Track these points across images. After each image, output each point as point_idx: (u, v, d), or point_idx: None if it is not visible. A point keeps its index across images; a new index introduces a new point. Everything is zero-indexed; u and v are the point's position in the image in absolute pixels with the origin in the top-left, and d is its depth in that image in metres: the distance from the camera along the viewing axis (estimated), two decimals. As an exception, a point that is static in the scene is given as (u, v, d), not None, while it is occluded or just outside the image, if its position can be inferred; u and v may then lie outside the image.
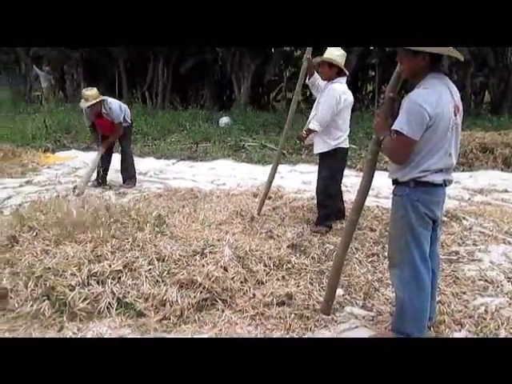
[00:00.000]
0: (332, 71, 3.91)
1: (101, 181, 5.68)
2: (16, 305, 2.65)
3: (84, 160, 7.32)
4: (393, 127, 2.11)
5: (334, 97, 3.84)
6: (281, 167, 6.89)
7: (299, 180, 6.10)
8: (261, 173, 6.54)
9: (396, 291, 2.40)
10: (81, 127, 9.56)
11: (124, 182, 5.74)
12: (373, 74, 13.30)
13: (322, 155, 4.04)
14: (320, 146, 4.02)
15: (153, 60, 13.61)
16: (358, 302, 2.91)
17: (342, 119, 3.95)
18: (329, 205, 4.05)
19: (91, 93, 5.30)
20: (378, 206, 4.65)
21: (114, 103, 5.48)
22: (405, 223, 2.22)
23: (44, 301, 2.67)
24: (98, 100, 5.28)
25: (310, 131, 4.02)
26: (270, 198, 4.89)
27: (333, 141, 3.93)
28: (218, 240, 3.34)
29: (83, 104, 5.32)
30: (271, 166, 6.87)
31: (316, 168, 6.74)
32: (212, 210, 4.13)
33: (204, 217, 3.85)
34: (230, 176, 6.34)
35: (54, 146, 8.34)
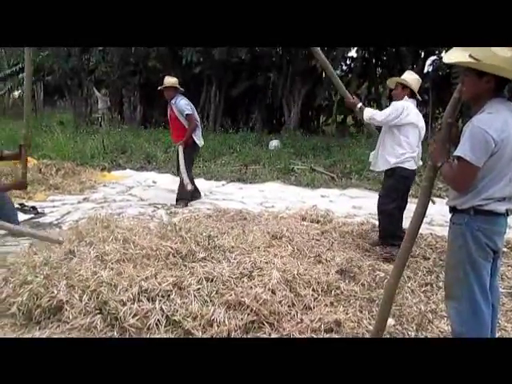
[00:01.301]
0: (404, 92, 3.99)
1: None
2: (70, 317, 2.74)
3: (137, 179, 7.61)
4: (455, 153, 2.05)
5: (398, 107, 3.88)
6: (330, 191, 6.88)
7: (349, 205, 6.02)
8: (309, 196, 6.52)
9: (452, 325, 2.28)
10: (135, 148, 9.97)
11: (177, 201, 5.85)
12: (426, 97, 13.04)
13: (384, 174, 4.12)
14: (381, 164, 4.07)
15: (206, 83, 14.03)
16: (409, 332, 2.80)
17: (405, 137, 3.93)
18: (385, 224, 4.05)
19: (170, 80, 5.79)
20: (431, 234, 4.49)
21: (184, 99, 5.84)
22: (464, 253, 2.12)
23: (96, 315, 2.75)
24: (169, 85, 5.73)
25: (365, 113, 4.03)
26: (318, 221, 4.85)
27: (393, 158, 3.93)
28: (266, 262, 3.33)
29: (161, 86, 5.86)
30: (320, 189, 6.93)
31: (366, 193, 6.72)
32: (260, 232, 4.13)
33: (252, 239, 3.85)
34: (279, 199, 6.35)
35: (110, 165, 8.71)
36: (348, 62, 14.28)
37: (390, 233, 4.03)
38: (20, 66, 18.05)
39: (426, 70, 12.31)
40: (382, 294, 3.08)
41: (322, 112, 15.94)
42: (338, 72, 14.50)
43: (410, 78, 4.01)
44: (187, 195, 5.82)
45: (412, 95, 4.00)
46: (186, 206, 5.77)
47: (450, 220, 2.23)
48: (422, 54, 12.25)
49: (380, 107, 14.12)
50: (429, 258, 3.89)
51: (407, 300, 3.17)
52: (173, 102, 5.81)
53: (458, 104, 2.23)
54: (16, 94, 21.30)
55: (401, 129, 3.91)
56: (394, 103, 3.99)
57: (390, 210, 4.04)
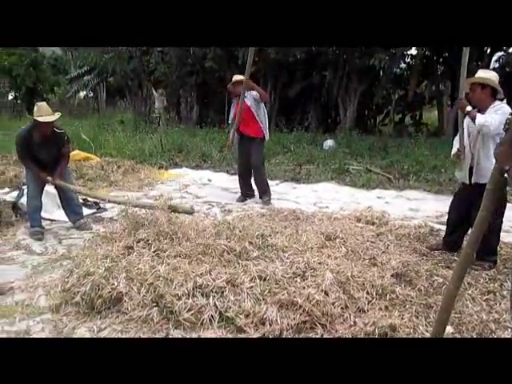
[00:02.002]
0: (485, 93, 3.54)
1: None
2: (129, 308, 2.86)
3: (193, 177, 7.78)
4: None
5: (505, 113, 3.48)
6: (386, 192, 6.71)
7: (406, 207, 5.84)
8: (365, 197, 6.39)
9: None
10: (192, 147, 10.20)
11: (261, 198, 5.97)
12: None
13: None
14: (484, 175, 3.48)
15: (261, 83, 14.11)
16: (470, 342, 2.67)
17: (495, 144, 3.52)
18: (494, 241, 3.72)
19: (239, 76, 5.84)
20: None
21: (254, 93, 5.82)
22: None
23: (153, 307, 2.85)
24: (239, 80, 5.72)
25: (477, 119, 3.48)
26: (373, 223, 4.74)
27: None
28: (320, 263, 3.30)
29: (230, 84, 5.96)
30: (376, 190, 6.77)
31: (425, 195, 6.49)
32: (314, 232, 4.10)
33: (306, 239, 3.84)
34: (333, 199, 6.27)
35: (167, 163, 8.97)
36: (407, 60, 13.84)
37: (494, 249, 3.76)
38: (86, 68, 19.03)
39: (491, 67, 11.68)
40: (439, 301, 2.97)
41: (378, 111, 15.57)
42: (397, 70, 14.11)
43: (488, 75, 3.59)
44: (267, 186, 5.98)
45: (493, 94, 3.55)
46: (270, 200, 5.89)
47: None
48: (488, 50, 11.64)
49: (441, 106, 13.58)
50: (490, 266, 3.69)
51: (467, 308, 3.03)
52: (245, 94, 5.73)
53: None
54: (81, 94, 22.46)
55: (496, 137, 3.50)
56: (498, 108, 3.50)
57: (498, 226, 3.68)
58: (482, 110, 3.56)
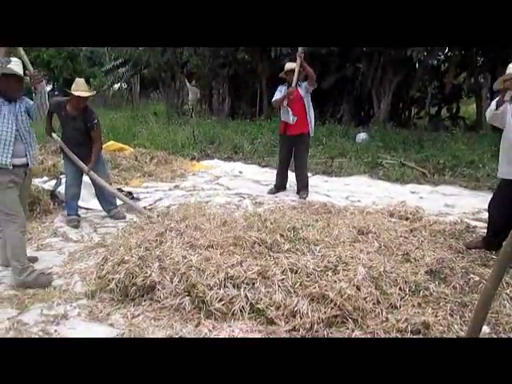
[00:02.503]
0: None
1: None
2: (162, 296, 2.92)
3: (225, 169, 7.82)
4: None
5: None
6: (420, 187, 6.56)
7: (441, 202, 5.69)
8: (398, 192, 6.28)
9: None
10: (223, 139, 10.25)
11: (298, 192, 5.94)
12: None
13: None
14: None
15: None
16: (507, 343, 2.59)
17: None
18: None
19: (292, 65, 5.77)
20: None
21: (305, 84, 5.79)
22: None
23: (185, 296, 2.89)
24: (289, 70, 5.71)
25: None
26: (407, 218, 4.65)
27: None
28: (352, 258, 3.26)
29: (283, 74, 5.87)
30: (410, 185, 6.62)
31: (461, 190, 6.31)
32: (346, 226, 4.05)
33: (338, 233, 3.80)
34: (366, 193, 6.18)
35: (199, 155, 9.05)
36: (445, 51, 13.43)
37: None
38: (120, 60, 19.34)
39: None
40: (475, 299, 2.90)
41: (413, 104, 15.19)
42: (434, 62, 13.71)
43: None
44: (307, 182, 5.96)
45: None
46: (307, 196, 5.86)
47: None
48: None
49: (480, 99, 13.15)
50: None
51: (505, 308, 2.93)
52: (299, 83, 5.73)
53: None
54: (116, 86, 22.86)
55: None
56: None
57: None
58: None
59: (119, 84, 22.42)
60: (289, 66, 5.79)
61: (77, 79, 4.69)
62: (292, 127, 5.73)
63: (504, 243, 2.17)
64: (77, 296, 3.13)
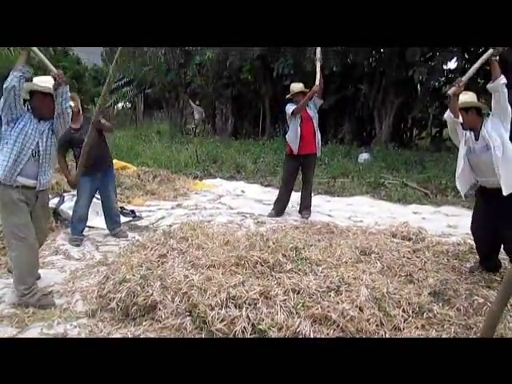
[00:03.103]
0: (472, 116, 3.62)
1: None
2: (163, 316, 2.89)
3: (227, 188, 7.84)
4: None
5: None
6: (423, 208, 6.55)
7: (444, 223, 5.67)
8: (401, 212, 6.27)
9: None
10: (226, 158, 10.31)
11: (300, 212, 5.91)
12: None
13: None
14: None
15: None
16: (512, 367, 2.55)
17: None
18: None
19: (298, 86, 5.80)
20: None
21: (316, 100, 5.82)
22: None
23: (186, 316, 2.87)
24: (299, 91, 5.71)
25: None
26: (409, 239, 4.63)
27: None
28: (354, 278, 3.24)
29: (290, 94, 5.85)
30: (412, 206, 6.61)
31: (463, 211, 6.29)
32: (348, 246, 4.04)
33: (340, 253, 3.78)
34: (368, 213, 6.17)
35: (202, 173, 9.10)
36: (446, 73, 13.56)
37: None
38: (125, 80, 19.59)
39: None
40: (480, 322, 2.87)
41: (415, 125, 15.27)
42: (436, 83, 13.79)
43: (466, 97, 3.66)
44: (310, 203, 5.98)
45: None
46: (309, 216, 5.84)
47: None
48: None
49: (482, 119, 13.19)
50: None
51: (510, 330, 2.89)
52: (309, 104, 5.76)
53: None
54: (120, 105, 23.08)
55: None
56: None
57: None
58: (475, 131, 3.61)
59: (123, 103, 22.66)
60: (295, 87, 5.81)
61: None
62: (302, 147, 5.68)
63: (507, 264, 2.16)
64: (77, 315, 3.11)
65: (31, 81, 3.25)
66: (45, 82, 3.19)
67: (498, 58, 3.49)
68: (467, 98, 3.70)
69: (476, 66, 3.64)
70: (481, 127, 3.59)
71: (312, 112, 5.77)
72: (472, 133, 3.64)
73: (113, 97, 20.70)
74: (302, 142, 5.66)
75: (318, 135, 5.82)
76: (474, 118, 3.63)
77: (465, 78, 3.61)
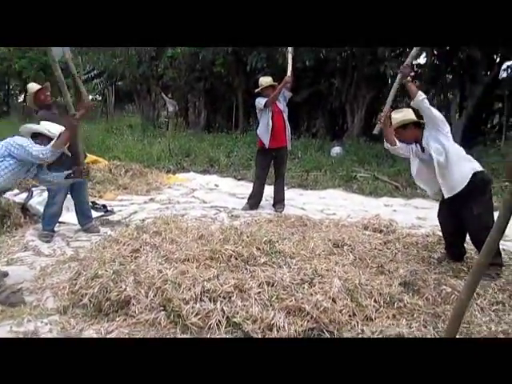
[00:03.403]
0: (410, 130, 3.81)
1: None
2: (137, 311, 2.87)
3: (200, 182, 7.80)
4: None
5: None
6: (394, 200, 6.68)
7: (413, 215, 5.81)
8: (372, 205, 6.38)
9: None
10: (199, 152, 10.24)
11: (274, 205, 5.92)
12: (500, 105, 12.36)
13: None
14: None
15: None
16: (478, 353, 2.65)
17: None
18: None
19: (267, 79, 5.79)
20: (503, 250, 4.22)
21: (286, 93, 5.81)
22: None
23: (161, 311, 2.85)
24: (269, 84, 5.68)
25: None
26: (381, 231, 4.73)
27: None
28: (327, 270, 3.29)
29: (259, 88, 5.81)
30: (383, 198, 6.74)
31: (432, 204, 6.45)
32: (321, 239, 4.09)
33: (313, 246, 3.83)
34: (340, 206, 6.26)
35: (175, 167, 9.02)
36: (415, 69, 13.82)
37: (498, 250, 3.73)
38: (95, 72, 19.18)
39: (500, 76, 11.65)
40: (448, 310, 2.96)
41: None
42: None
43: (401, 114, 3.86)
44: (284, 196, 5.99)
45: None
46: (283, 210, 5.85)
47: None
48: (497, 59, 11.61)
49: (449, 114, 13.51)
50: (501, 276, 3.67)
51: (476, 318, 3.00)
52: (279, 97, 5.73)
53: None
54: (90, 98, 22.62)
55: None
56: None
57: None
58: (418, 143, 3.79)
59: (94, 96, 22.20)
60: (264, 81, 5.80)
61: (29, 85, 4.66)
62: (273, 141, 5.69)
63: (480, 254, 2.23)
64: (48, 312, 3.04)
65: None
66: (55, 129, 3.51)
67: (409, 79, 3.76)
68: (401, 116, 3.85)
69: (391, 94, 3.95)
70: (421, 139, 3.75)
71: (282, 105, 5.78)
72: (418, 145, 3.81)
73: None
74: (273, 135, 5.66)
75: (289, 128, 5.84)
76: (413, 131, 3.80)
77: (385, 110, 3.89)
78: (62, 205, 4.63)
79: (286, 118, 5.81)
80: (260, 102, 5.71)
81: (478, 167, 3.70)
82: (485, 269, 2.32)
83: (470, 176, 3.62)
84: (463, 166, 3.67)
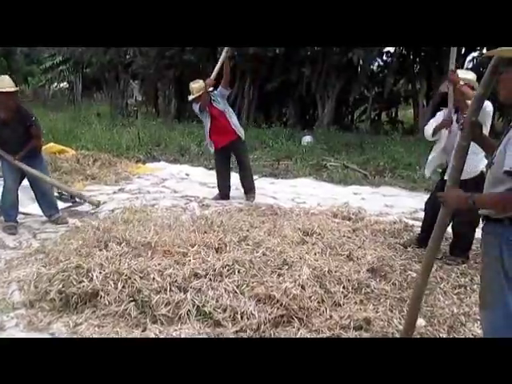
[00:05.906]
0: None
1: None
2: (106, 303, 2.84)
3: (171, 172, 7.73)
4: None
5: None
6: (362, 189, 6.79)
7: (381, 203, 5.93)
8: (342, 193, 6.47)
9: (485, 334, 2.20)
10: (170, 141, 10.13)
11: (246, 194, 5.92)
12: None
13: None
14: None
15: (239, 79, 14.07)
16: (441, 334, 2.75)
17: None
18: (471, 237, 3.85)
19: (195, 85, 5.63)
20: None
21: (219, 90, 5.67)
22: (499, 266, 1.98)
23: (130, 302, 2.84)
24: (200, 93, 5.53)
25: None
26: (349, 219, 4.81)
27: None
28: (298, 258, 3.34)
29: (190, 97, 5.70)
30: (352, 186, 6.85)
31: (399, 191, 6.61)
32: (291, 227, 4.13)
33: (283, 234, 3.87)
34: (311, 195, 6.32)
35: (144, 157, 8.88)
36: (384, 58, 14.02)
37: (470, 245, 3.89)
38: (61, 58, 18.61)
39: (465, 67, 11.94)
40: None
41: (356, 108, 15.72)
42: (374, 68, 14.23)
43: (470, 76, 3.61)
44: (253, 184, 5.98)
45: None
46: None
47: (483, 229, 2.12)
48: (463, 50, 11.89)
49: (416, 104, 13.80)
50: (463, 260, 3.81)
51: (439, 301, 3.12)
52: (212, 98, 5.61)
53: (483, 101, 2.13)
54: (55, 85, 21.97)
55: None
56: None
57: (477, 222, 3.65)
58: (461, 110, 3.55)
59: (57, 83, 21.58)
60: (195, 89, 5.62)
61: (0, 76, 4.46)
62: (220, 140, 5.67)
63: (431, 238, 2.31)
64: (14, 306, 2.98)
65: None
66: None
67: (462, 83, 3.42)
68: (470, 76, 3.66)
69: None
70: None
71: (221, 106, 5.66)
72: (456, 114, 3.65)
73: (47, 76, 19.66)
74: (218, 134, 5.66)
75: (234, 120, 5.74)
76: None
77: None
78: (17, 192, 4.52)
79: (228, 115, 5.70)
80: (195, 107, 5.74)
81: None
82: (436, 253, 2.39)
83: (479, 171, 3.50)
84: (480, 160, 3.49)
